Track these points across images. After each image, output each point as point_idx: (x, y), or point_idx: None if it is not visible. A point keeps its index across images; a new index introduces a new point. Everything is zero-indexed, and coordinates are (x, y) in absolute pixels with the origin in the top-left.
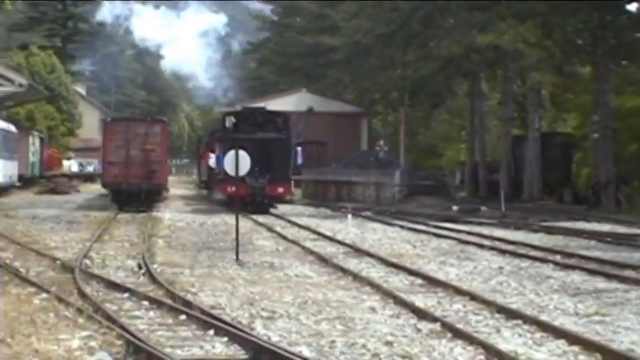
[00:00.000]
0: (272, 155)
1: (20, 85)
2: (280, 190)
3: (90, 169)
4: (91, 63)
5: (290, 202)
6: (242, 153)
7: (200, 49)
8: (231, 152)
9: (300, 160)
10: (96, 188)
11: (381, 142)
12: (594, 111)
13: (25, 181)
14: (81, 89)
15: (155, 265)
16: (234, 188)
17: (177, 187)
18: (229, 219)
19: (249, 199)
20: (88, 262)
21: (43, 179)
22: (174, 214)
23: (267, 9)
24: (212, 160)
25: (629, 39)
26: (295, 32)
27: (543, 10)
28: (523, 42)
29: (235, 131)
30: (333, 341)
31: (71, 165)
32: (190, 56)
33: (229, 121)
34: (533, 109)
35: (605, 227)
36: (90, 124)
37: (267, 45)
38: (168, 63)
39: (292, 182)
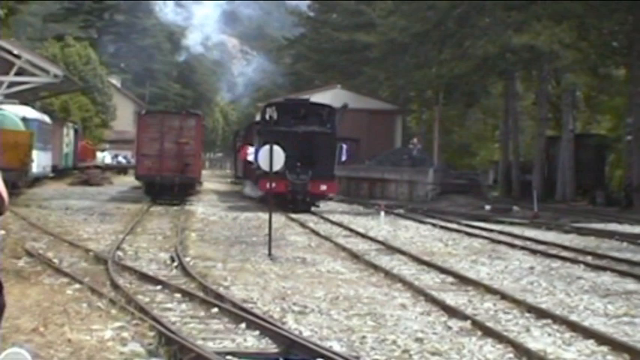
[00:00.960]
0: (315, 150)
1: (55, 76)
2: (323, 187)
3: (123, 161)
4: (126, 55)
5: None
6: (276, 148)
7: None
8: (266, 147)
9: (344, 157)
10: (129, 180)
11: (415, 140)
12: (628, 113)
13: (59, 172)
14: (116, 81)
15: (187, 259)
16: (273, 185)
17: (211, 181)
18: (262, 214)
19: (290, 197)
20: (120, 253)
21: (76, 170)
22: (207, 208)
23: (303, 4)
24: (251, 154)
25: None
26: (331, 29)
27: (579, 12)
28: (558, 43)
29: (276, 124)
30: (364, 337)
31: (105, 157)
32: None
33: (270, 113)
34: (568, 110)
35: (637, 229)
36: (124, 117)
37: (303, 41)
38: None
39: (337, 180)
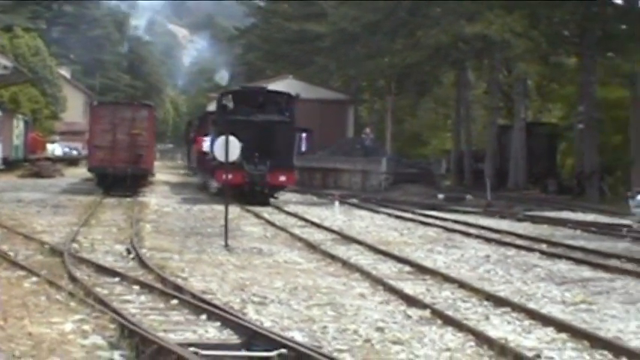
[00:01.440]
0: (274, 140)
1: (4, 68)
2: (282, 178)
3: (74, 152)
4: (76, 46)
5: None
6: (232, 138)
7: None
8: (222, 137)
9: (304, 147)
10: (80, 172)
11: (368, 130)
12: (580, 102)
13: (9, 164)
14: (65, 72)
15: (144, 250)
16: (230, 176)
17: (162, 172)
18: (216, 205)
19: (247, 189)
20: (76, 246)
21: (26, 162)
22: (161, 200)
23: None
24: (206, 144)
25: (615, 30)
26: (282, 18)
27: (531, 1)
28: (510, 32)
29: (233, 113)
30: (325, 327)
31: (55, 148)
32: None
33: (226, 102)
34: (519, 98)
35: (590, 217)
36: (74, 108)
37: (254, 31)
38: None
39: (296, 170)
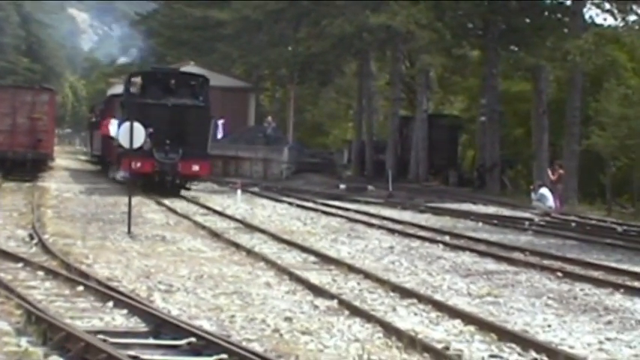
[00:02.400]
0: (187, 126)
1: None
2: (196, 168)
3: None
4: None
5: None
6: (136, 124)
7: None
8: (127, 123)
9: (220, 134)
10: None
11: (269, 119)
12: (482, 94)
13: None
14: None
15: (46, 236)
16: (138, 164)
17: (62, 157)
18: (116, 190)
19: (157, 179)
20: None
21: None
22: (61, 185)
23: None
24: (112, 129)
25: (519, 24)
26: (184, 5)
27: None
28: (415, 23)
29: (142, 96)
30: (233, 316)
31: None
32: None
33: (135, 84)
34: (422, 90)
35: (491, 209)
36: None
37: (155, 16)
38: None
39: (210, 159)
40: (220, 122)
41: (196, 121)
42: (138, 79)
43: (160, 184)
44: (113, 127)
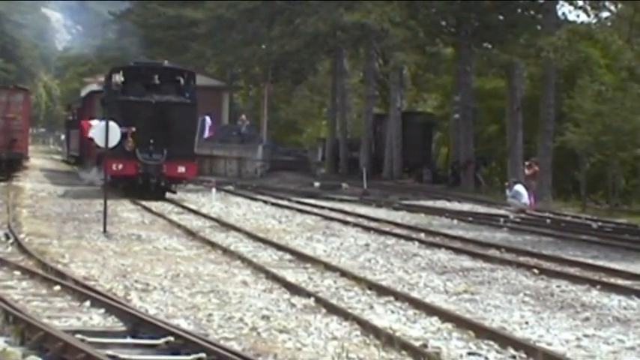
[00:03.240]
0: (172, 124)
1: None
2: (182, 169)
3: None
4: None
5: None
6: (112, 123)
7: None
8: (101, 122)
9: (207, 133)
10: None
11: (244, 117)
12: (456, 91)
13: None
14: None
15: (22, 235)
16: (120, 166)
17: (36, 157)
18: (91, 189)
19: (141, 181)
20: None
21: None
22: (36, 184)
23: None
24: (94, 130)
25: (492, 21)
26: (157, 4)
27: None
28: (389, 21)
29: (124, 92)
30: (210, 315)
31: None
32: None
33: (116, 80)
34: (395, 88)
35: (466, 207)
36: None
37: (129, 16)
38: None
39: (197, 160)
40: (208, 119)
41: (182, 119)
42: (119, 75)
43: (144, 187)
44: (95, 127)
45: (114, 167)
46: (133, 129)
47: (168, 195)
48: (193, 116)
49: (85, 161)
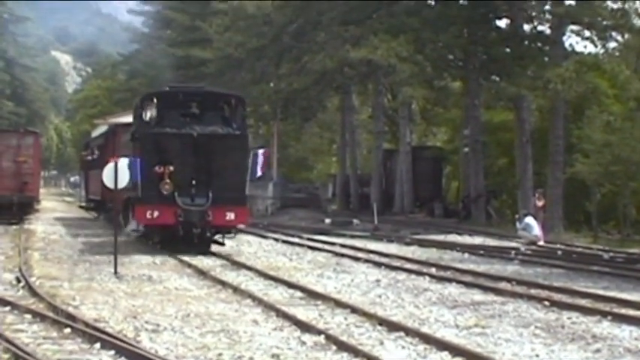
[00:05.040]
0: (218, 161)
1: None
2: (230, 216)
3: None
4: None
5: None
6: (122, 161)
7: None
8: (110, 163)
9: (260, 170)
10: None
11: None
12: (465, 125)
13: None
14: None
15: (33, 278)
16: (155, 213)
17: (48, 199)
18: (102, 231)
19: (182, 231)
20: None
21: None
22: (47, 227)
23: (137, 21)
24: (105, 170)
25: (499, 54)
26: (166, 44)
27: (415, 26)
28: (395, 57)
29: (159, 124)
30: (220, 354)
31: None
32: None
33: (149, 110)
34: (404, 122)
35: (477, 240)
36: None
37: (138, 57)
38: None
39: (249, 204)
40: (261, 153)
41: (230, 154)
42: (152, 104)
43: (185, 238)
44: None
45: (148, 215)
46: (171, 168)
47: (214, 248)
48: (244, 150)
49: (107, 207)
